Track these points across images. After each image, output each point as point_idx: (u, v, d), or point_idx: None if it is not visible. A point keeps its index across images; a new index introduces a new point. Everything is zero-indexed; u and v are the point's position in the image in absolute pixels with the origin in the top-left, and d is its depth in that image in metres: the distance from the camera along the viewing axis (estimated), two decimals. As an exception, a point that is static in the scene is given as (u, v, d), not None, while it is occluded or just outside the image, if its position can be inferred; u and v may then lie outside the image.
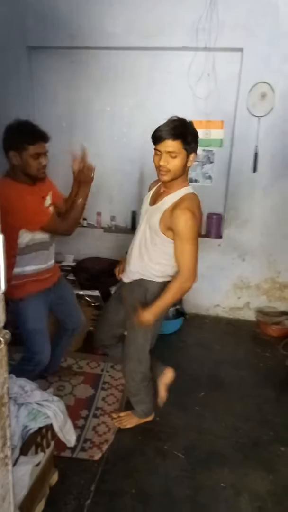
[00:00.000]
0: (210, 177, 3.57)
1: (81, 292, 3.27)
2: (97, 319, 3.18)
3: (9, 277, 2.05)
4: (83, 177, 2.10)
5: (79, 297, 3.27)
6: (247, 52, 3.16)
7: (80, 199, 2.10)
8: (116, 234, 3.75)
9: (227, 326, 3.61)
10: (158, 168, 1.78)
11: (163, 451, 2.16)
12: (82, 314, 2.53)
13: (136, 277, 2.01)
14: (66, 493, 1.85)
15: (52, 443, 1.79)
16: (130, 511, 1.81)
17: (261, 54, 3.13)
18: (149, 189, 2.09)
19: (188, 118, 3.53)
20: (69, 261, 3.68)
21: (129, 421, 2.32)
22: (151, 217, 1.88)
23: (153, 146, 3.81)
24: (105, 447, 2.15)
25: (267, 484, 1.98)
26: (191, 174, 3.57)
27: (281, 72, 3.16)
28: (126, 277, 2.08)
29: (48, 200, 2.15)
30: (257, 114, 3.24)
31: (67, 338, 2.54)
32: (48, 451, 1.74)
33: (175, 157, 1.72)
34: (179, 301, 3.75)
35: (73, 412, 2.31)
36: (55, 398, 1.77)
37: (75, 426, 2.20)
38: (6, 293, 2.03)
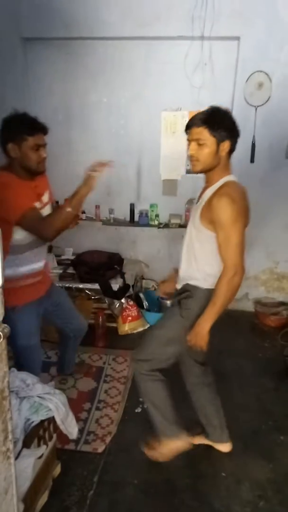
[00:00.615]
0: (208, 168, 3.56)
1: (81, 286, 3.28)
2: (96, 312, 3.20)
3: None
4: (86, 175, 1.97)
5: (79, 290, 3.28)
6: (244, 41, 3.14)
7: (69, 209, 1.87)
8: (115, 226, 3.74)
9: (225, 317, 3.61)
10: (190, 158, 1.72)
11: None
12: (82, 317, 2.43)
13: (187, 282, 1.84)
14: (69, 485, 1.88)
15: (55, 435, 1.80)
16: (132, 501, 1.83)
17: (258, 43, 3.11)
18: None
19: (185, 108, 3.52)
20: (68, 254, 3.68)
21: (158, 450, 2.01)
22: (194, 215, 1.77)
23: (151, 138, 3.80)
24: (108, 439, 2.17)
25: (267, 473, 2.01)
26: (189, 165, 3.55)
27: (278, 61, 3.13)
28: (178, 284, 1.92)
29: (46, 198, 2.07)
30: (254, 104, 3.22)
31: (72, 343, 2.46)
32: (50, 443, 1.76)
33: (202, 145, 1.64)
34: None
35: (76, 405, 2.34)
36: (57, 391, 1.78)
37: (78, 419, 2.23)
38: None
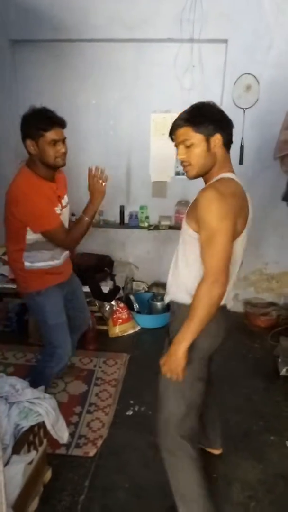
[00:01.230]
0: (197, 170, 3.57)
1: (70, 288, 3.26)
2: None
3: (19, 271, 2.06)
4: (95, 187, 2.08)
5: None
6: (231, 43, 3.15)
7: (87, 219, 2.05)
8: (104, 229, 3.73)
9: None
10: (181, 164, 1.51)
11: (155, 445, 2.15)
12: (89, 312, 2.56)
13: (171, 298, 1.60)
14: (60, 490, 1.86)
15: (45, 441, 1.79)
16: (124, 505, 1.83)
17: (246, 45, 3.13)
18: None
19: (175, 110, 3.51)
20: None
21: None
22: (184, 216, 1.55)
23: (140, 140, 3.79)
24: (99, 442, 2.16)
25: (257, 473, 2.02)
26: (178, 167, 3.56)
27: (266, 63, 3.16)
28: (166, 298, 1.68)
29: (65, 200, 2.13)
30: (242, 106, 3.24)
31: (73, 336, 2.42)
32: (40, 449, 1.74)
33: (190, 146, 1.43)
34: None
35: (66, 409, 2.33)
36: (47, 395, 1.77)
37: (69, 423, 2.22)
38: (22, 287, 2.08)
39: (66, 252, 2.19)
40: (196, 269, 1.43)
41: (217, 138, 1.43)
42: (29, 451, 1.63)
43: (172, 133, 1.50)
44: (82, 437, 2.19)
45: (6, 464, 1.45)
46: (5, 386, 1.72)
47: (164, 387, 1.54)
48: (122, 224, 3.72)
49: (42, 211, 1.90)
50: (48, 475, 1.86)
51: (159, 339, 3.25)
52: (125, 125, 3.54)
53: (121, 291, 3.46)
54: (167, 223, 3.65)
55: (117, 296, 3.39)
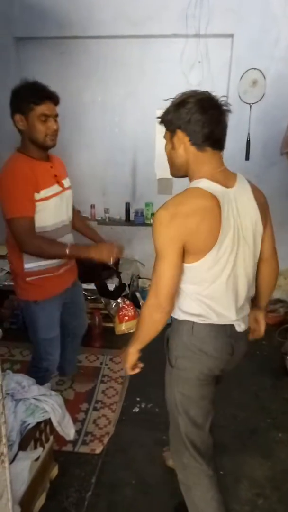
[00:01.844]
0: (203, 166, 3.56)
1: (76, 286, 3.26)
2: (92, 312, 3.19)
3: (21, 272, 1.87)
4: (106, 254, 1.87)
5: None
6: (237, 38, 3.13)
7: (67, 252, 1.79)
8: (110, 226, 3.73)
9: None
10: None
11: (162, 441, 2.16)
12: (86, 318, 2.44)
13: None
14: (67, 486, 1.87)
15: (51, 437, 1.79)
16: (130, 501, 1.83)
17: (252, 40, 3.10)
18: None
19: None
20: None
21: None
22: None
23: (146, 136, 3.78)
24: (106, 439, 2.16)
25: (265, 470, 2.00)
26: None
27: (272, 58, 3.13)
28: None
29: (67, 182, 1.95)
30: (249, 101, 3.21)
31: (71, 342, 2.37)
32: (47, 445, 1.75)
33: (166, 144, 1.37)
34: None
35: (73, 406, 2.33)
36: (53, 392, 1.78)
37: (76, 420, 2.23)
38: (19, 293, 1.94)
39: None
40: (182, 287, 1.34)
41: (179, 135, 1.29)
42: (35, 447, 1.64)
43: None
44: (89, 434, 2.19)
45: (12, 460, 1.46)
46: (11, 383, 1.73)
47: (169, 403, 1.52)
48: (127, 221, 3.71)
49: (14, 195, 1.70)
50: (55, 471, 1.87)
51: (163, 337, 3.27)
52: (131, 122, 3.53)
53: (127, 289, 3.45)
54: (173, 220, 3.63)
55: (123, 294, 3.38)
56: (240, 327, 1.41)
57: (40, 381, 1.95)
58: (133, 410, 2.41)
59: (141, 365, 1.51)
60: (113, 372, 2.75)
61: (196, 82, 3.31)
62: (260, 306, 1.65)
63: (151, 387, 2.60)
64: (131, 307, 3.38)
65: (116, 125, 3.57)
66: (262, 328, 1.65)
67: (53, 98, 1.77)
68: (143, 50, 3.33)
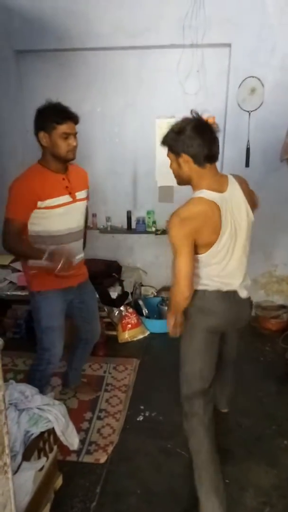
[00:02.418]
0: (203, 174, 3.58)
1: (79, 294, 3.27)
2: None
3: (25, 268, 2.09)
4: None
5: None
6: (235, 47, 3.16)
7: (43, 260, 1.89)
8: (112, 234, 3.75)
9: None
10: None
11: (166, 449, 2.16)
12: (99, 325, 2.44)
13: None
14: (71, 497, 1.86)
15: (55, 447, 1.79)
16: (135, 511, 1.81)
17: (249, 49, 3.13)
18: None
19: (180, 115, 3.55)
20: (66, 263, 3.68)
21: None
22: None
23: (146, 145, 3.82)
24: (110, 449, 2.15)
25: (271, 478, 1.99)
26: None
27: (270, 66, 3.16)
28: None
29: (82, 194, 2.12)
30: (247, 109, 3.24)
31: (82, 348, 2.43)
32: (51, 455, 1.74)
33: (171, 162, 1.72)
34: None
35: (77, 415, 2.33)
36: (56, 402, 1.77)
37: (80, 429, 2.22)
38: (27, 286, 2.11)
39: (79, 256, 2.15)
40: (197, 271, 1.70)
41: (184, 158, 1.62)
42: (39, 457, 1.64)
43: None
44: (93, 444, 2.18)
45: (16, 471, 1.46)
46: (14, 393, 1.73)
47: (182, 352, 1.86)
48: (129, 229, 3.72)
49: (14, 197, 1.92)
50: (59, 481, 1.86)
51: (169, 344, 3.26)
52: (130, 132, 3.56)
53: (129, 296, 3.46)
54: (175, 227, 3.65)
55: (126, 302, 3.39)
56: (242, 294, 1.81)
57: (42, 375, 2.10)
58: (137, 419, 2.40)
59: (181, 329, 1.81)
60: (116, 381, 2.75)
61: (193, 91, 3.35)
62: None
63: (155, 395, 2.60)
64: (134, 315, 3.39)
65: (116, 135, 3.60)
66: None
67: (73, 118, 1.99)
68: (141, 61, 3.37)
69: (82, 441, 2.15)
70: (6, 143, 3.57)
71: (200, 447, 1.77)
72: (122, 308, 3.34)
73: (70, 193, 2.04)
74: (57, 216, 1.99)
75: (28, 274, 2.09)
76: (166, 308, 3.53)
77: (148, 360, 3.04)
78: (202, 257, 1.66)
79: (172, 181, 3.92)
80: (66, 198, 2.02)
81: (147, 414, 2.44)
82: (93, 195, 3.75)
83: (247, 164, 3.30)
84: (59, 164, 2.02)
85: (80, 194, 2.11)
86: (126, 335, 3.31)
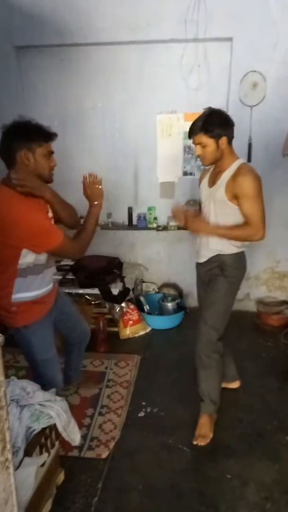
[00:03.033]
0: (205, 169, 3.57)
1: (80, 291, 3.27)
2: (97, 316, 3.19)
3: (7, 302, 1.83)
4: (94, 192, 2.04)
5: (79, 295, 3.28)
6: (236, 41, 3.14)
7: (91, 223, 2.00)
8: (113, 231, 3.74)
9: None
10: (198, 157, 2.07)
11: (168, 445, 2.16)
12: (86, 324, 2.35)
13: (213, 254, 2.17)
14: (73, 492, 1.86)
15: (57, 443, 1.79)
16: (137, 506, 1.81)
17: (251, 43, 3.11)
18: (200, 179, 2.28)
19: (181, 110, 3.53)
20: (67, 260, 3.67)
21: (207, 428, 2.21)
22: (215, 195, 2.07)
23: (147, 141, 3.80)
24: (112, 444, 2.16)
25: (273, 474, 1.99)
26: (186, 167, 3.56)
27: (272, 60, 3.14)
28: (202, 258, 2.23)
29: (50, 214, 1.93)
30: (249, 104, 3.22)
31: (77, 350, 2.38)
32: (52, 451, 1.74)
33: (205, 146, 1.98)
34: (180, 295, 3.76)
35: (78, 411, 2.33)
36: (58, 398, 1.77)
37: (81, 425, 2.22)
38: (6, 322, 1.88)
39: (52, 280, 2.02)
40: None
41: (223, 139, 1.97)
42: (41, 453, 1.64)
43: (190, 135, 2.02)
44: (95, 439, 2.19)
45: (18, 466, 1.46)
46: (16, 389, 1.72)
47: (221, 301, 2.17)
48: (130, 225, 3.71)
49: (47, 228, 1.77)
50: (61, 477, 1.86)
51: (170, 340, 3.27)
52: (131, 127, 3.55)
53: (131, 293, 3.45)
54: (176, 223, 3.64)
55: (127, 298, 3.39)
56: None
57: None
58: (139, 415, 2.40)
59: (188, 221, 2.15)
60: (118, 377, 2.75)
61: (195, 86, 3.33)
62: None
63: (156, 391, 2.60)
64: (136, 311, 3.39)
65: (117, 130, 3.58)
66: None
67: (54, 136, 1.86)
68: (143, 56, 3.35)
69: (84, 437, 2.16)
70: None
71: (220, 370, 2.24)
72: (123, 304, 3.34)
73: (48, 212, 1.89)
74: None
75: (9, 311, 1.84)
76: (168, 304, 3.54)
77: (150, 356, 3.04)
78: None
79: (174, 177, 3.95)
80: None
81: (148, 410, 2.44)
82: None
83: (249, 159, 3.28)
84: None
85: (50, 214, 1.92)
86: (128, 331, 3.31)
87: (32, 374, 2.06)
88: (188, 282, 3.75)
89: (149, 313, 3.50)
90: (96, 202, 2.04)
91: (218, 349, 2.20)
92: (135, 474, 1.99)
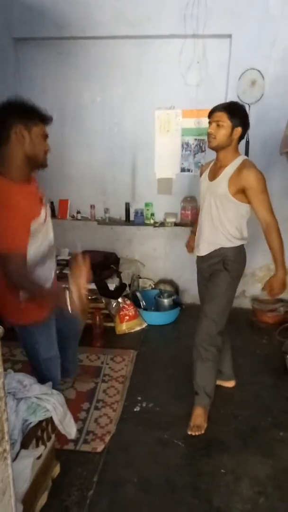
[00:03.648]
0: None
1: (77, 286, 3.26)
2: (93, 311, 3.19)
3: (13, 301, 1.76)
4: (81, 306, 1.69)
5: (75, 290, 3.27)
6: (235, 38, 3.14)
7: (45, 296, 1.73)
8: (110, 226, 3.73)
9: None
10: (208, 136, 2.08)
11: (163, 440, 2.18)
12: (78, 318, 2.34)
13: (215, 248, 2.20)
14: (69, 485, 1.87)
15: (53, 436, 1.80)
16: (132, 500, 1.83)
17: (250, 40, 3.11)
18: (201, 172, 2.32)
19: (180, 106, 3.53)
20: (64, 255, 3.66)
21: (201, 419, 2.25)
22: (216, 190, 2.10)
23: (145, 136, 3.80)
24: (107, 438, 2.16)
25: (266, 469, 2.00)
26: (183, 164, 3.56)
27: (271, 58, 3.14)
28: (203, 251, 2.25)
29: (44, 212, 1.78)
30: (247, 102, 3.22)
31: (73, 342, 2.34)
32: (49, 444, 1.75)
33: (221, 126, 2.01)
34: (176, 291, 3.77)
35: (74, 405, 2.33)
36: (54, 391, 1.78)
37: (77, 419, 2.23)
38: (13, 319, 1.83)
39: (54, 270, 1.99)
40: (235, 224, 2.13)
41: (238, 130, 2.04)
42: (37, 446, 1.64)
43: (212, 113, 2.05)
44: (90, 433, 2.20)
45: (14, 459, 1.46)
46: (12, 382, 1.73)
47: (222, 295, 2.19)
48: (127, 221, 3.72)
49: (10, 227, 1.58)
50: (56, 470, 1.87)
51: (166, 336, 3.28)
52: (130, 122, 3.54)
53: (127, 288, 3.46)
54: (173, 220, 3.64)
55: (124, 293, 3.39)
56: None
57: None
58: (134, 409, 2.41)
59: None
60: (114, 372, 2.76)
61: (194, 82, 3.33)
62: None
63: (152, 386, 2.61)
64: (132, 307, 3.39)
65: (115, 125, 3.57)
66: None
67: (51, 120, 1.74)
68: (141, 51, 3.34)
69: (79, 431, 2.16)
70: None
71: (214, 366, 2.24)
72: (120, 300, 3.34)
73: (42, 204, 1.78)
74: (43, 235, 1.75)
75: (18, 308, 1.77)
76: (164, 300, 3.55)
77: (145, 352, 3.05)
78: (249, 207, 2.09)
79: (171, 173, 3.93)
80: (43, 211, 1.76)
81: (144, 404, 2.45)
82: (92, 186, 3.77)
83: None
84: (27, 172, 1.70)
85: (46, 210, 1.82)
86: (124, 327, 3.32)
87: (31, 371, 2.01)
88: (185, 279, 3.76)
89: (145, 309, 3.51)
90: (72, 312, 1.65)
91: (217, 343, 2.22)
92: (130, 468, 2.00)
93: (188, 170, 3.56)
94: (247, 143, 3.28)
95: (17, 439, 1.52)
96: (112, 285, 3.29)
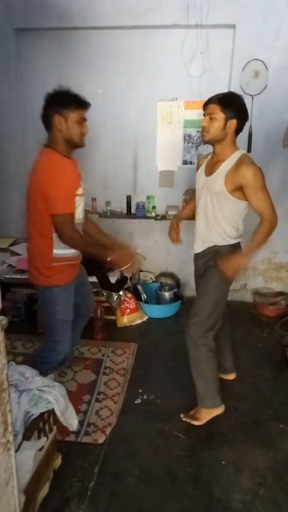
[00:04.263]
0: (204, 159, 3.54)
1: (78, 278, 3.26)
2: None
3: (47, 259, 2.04)
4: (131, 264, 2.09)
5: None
6: (239, 29, 3.10)
7: (93, 252, 2.07)
8: (112, 219, 3.72)
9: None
10: (202, 129, 2.02)
11: (164, 432, 2.19)
12: (93, 298, 2.58)
13: (208, 245, 2.16)
14: (70, 476, 1.88)
15: (55, 427, 1.80)
16: (133, 491, 1.84)
17: (254, 31, 3.08)
18: (198, 165, 2.25)
19: (182, 98, 3.50)
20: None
21: (198, 416, 2.25)
22: (213, 186, 2.03)
23: (147, 129, 3.77)
24: (108, 430, 2.18)
25: (267, 461, 2.02)
26: (186, 156, 3.54)
27: (275, 49, 3.11)
28: (198, 248, 2.23)
29: (82, 187, 2.07)
30: (251, 93, 3.19)
31: (81, 323, 2.50)
32: (50, 435, 1.76)
33: (213, 119, 1.94)
34: (177, 284, 3.77)
35: (75, 398, 2.34)
36: (56, 383, 1.78)
37: (78, 411, 2.24)
38: (39, 279, 2.08)
39: None
40: (231, 222, 2.07)
41: (233, 122, 1.95)
42: (39, 437, 1.65)
43: (206, 105, 1.99)
44: (91, 425, 2.21)
45: (17, 450, 1.47)
46: (14, 374, 1.73)
47: (214, 291, 2.13)
48: (129, 214, 3.70)
49: (65, 192, 1.92)
50: (58, 461, 1.88)
51: (167, 329, 3.29)
52: (132, 114, 3.51)
53: (128, 282, 3.46)
54: (174, 212, 3.61)
55: (125, 287, 3.39)
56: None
57: (50, 366, 2.14)
58: (135, 402, 2.42)
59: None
60: (115, 364, 2.77)
61: (197, 73, 3.29)
62: None
63: (153, 379, 2.62)
64: (133, 300, 3.39)
65: (117, 117, 3.55)
66: None
67: (87, 105, 2.01)
68: (144, 41, 3.31)
69: (80, 423, 2.17)
70: (5, 125, 3.51)
71: (210, 366, 2.18)
72: (121, 293, 3.34)
73: (81, 180, 2.07)
74: (81, 207, 2.06)
75: (46, 267, 2.05)
76: (165, 293, 3.55)
77: (146, 345, 3.06)
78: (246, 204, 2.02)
79: (173, 166, 3.91)
80: (83, 184, 2.06)
81: (145, 397, 2.46)
82: (93, 178, 3.75)
83: (249, 149, 3.26)
84: (70, 151, 2.03)
85: (82, 187, 2.09)
86: (125, 320, 3.32)
87: (45, 333, 2.25)
88: (186, 272, 3.76)
89: (146, 302, 3.52)
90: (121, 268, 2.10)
91: (206, 342, 2.15)
92: (131, 459, 2.01)
93: (190, 163, 3.54)
94: (250, 135, 3.26)
95: (19, 431, 1.53)
96: (113, 278, 3.28)
